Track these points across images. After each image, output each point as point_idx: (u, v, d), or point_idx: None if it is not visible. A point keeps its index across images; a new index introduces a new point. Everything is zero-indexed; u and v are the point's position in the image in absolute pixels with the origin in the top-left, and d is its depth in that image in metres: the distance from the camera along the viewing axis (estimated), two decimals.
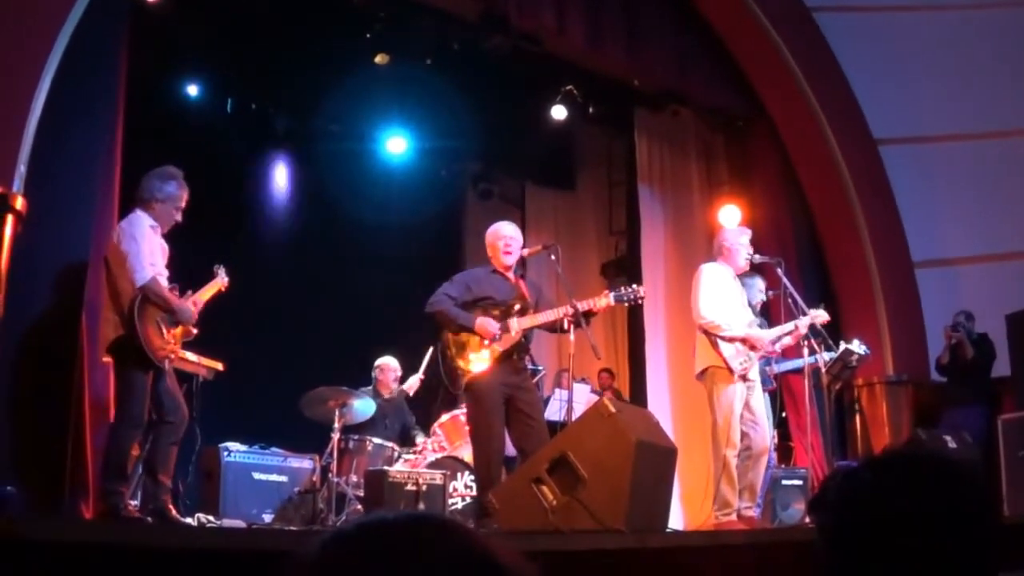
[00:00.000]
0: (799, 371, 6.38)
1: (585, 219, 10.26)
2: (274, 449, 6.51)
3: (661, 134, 8.97)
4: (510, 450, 5.23)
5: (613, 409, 4.20)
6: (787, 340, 5.86)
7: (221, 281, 5.24)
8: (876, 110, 8.47)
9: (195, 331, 4.96)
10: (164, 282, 4.83)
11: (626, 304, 5.29)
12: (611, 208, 10.19)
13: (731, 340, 5.54)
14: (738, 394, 5.51)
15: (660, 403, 8.15)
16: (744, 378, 5.55)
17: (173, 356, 4.83)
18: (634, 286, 5.22)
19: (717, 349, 5.54)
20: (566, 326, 5.01)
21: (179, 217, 4.97)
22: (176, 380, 4.97)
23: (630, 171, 9.11)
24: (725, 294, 5.70)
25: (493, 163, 10.15)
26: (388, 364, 7.45)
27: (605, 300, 5.09)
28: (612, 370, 9.01)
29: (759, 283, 6.62)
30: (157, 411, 4.75)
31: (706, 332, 5.60)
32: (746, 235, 5.91)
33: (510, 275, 5.28)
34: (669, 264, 8.70)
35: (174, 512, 4.82)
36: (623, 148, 9.52)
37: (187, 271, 5.19)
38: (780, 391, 6.69)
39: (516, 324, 5.07)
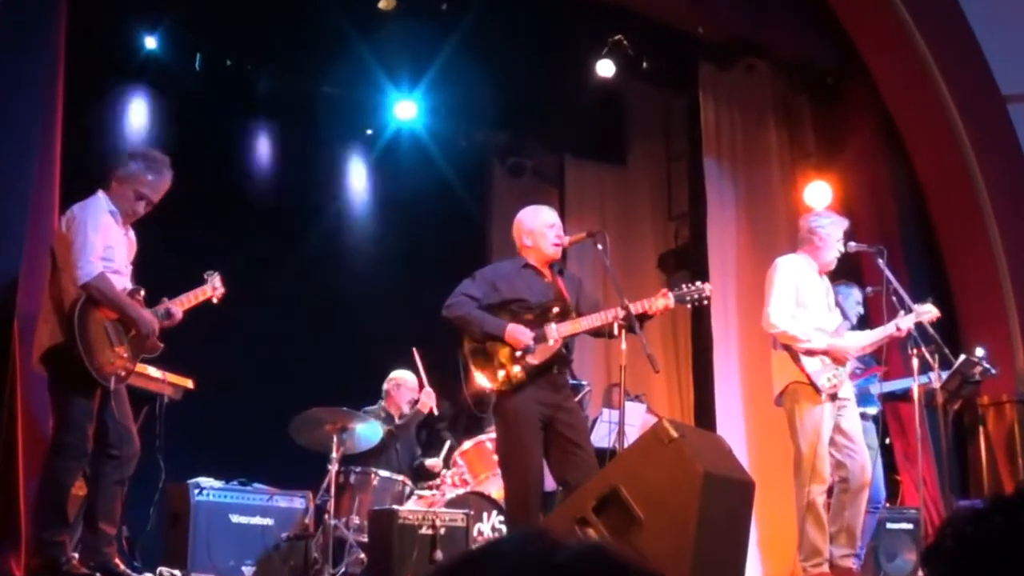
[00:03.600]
0: (907, 394, 6.32)
1: (639, 200, 10.25)
2: (257, 485, 6.53)
3: (732, 95, 8.93)
4: (549, 484, 5.23)
5: (675, 433, 4.19)
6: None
7: (211, 291, 5.25)
8: (1005, 62, 8.34)
9: (161, 345, 4.97)
10: (123, 282, 4.83)
11: (689, 306, 5.27)
12: (670, 187, 10.18)
13: (811, 354, 5.53)
14: (826, 416, 5.49)
15: (732, 426, 8.14)
16: (834, 397, 5.54)
17: (123, 373, 4.79)
18: (698, 283, 5.19)
19: (799, 362, 5.55)
20: (616, 331, 4.99)
21: (141, 208, 4.95)
22: (129, 403, 4.93)
23: (693, 141, 9.08)
24: (805, 295, 5.69)
25: (525, 132, 10.14)
26: (403, 380, 7.49)
27: (664, 301, 5.06)
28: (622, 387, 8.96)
29: (856, 294, 6.61)
30: (99, 442, 4.69)
31: (783, 344, 5.60)
32: (838, 222, 5.86)
33: (545, 271, 5.28)
34: (742, 255, 8.68)
35: (122, 567, 4.78)
36: (685, 112, 9.48)
37: (154, 271, 5.23)
38: (883, 412, 6.63)
39: (555, 331, 5.06)
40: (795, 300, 5.67)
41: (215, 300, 5.25)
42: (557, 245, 5.25)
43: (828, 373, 5.53)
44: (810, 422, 5.48)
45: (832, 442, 5.54)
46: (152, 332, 4.83)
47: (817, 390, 5.49)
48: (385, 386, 7.50)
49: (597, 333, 5.22)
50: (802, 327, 5.57)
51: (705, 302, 5.23)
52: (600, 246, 5.23)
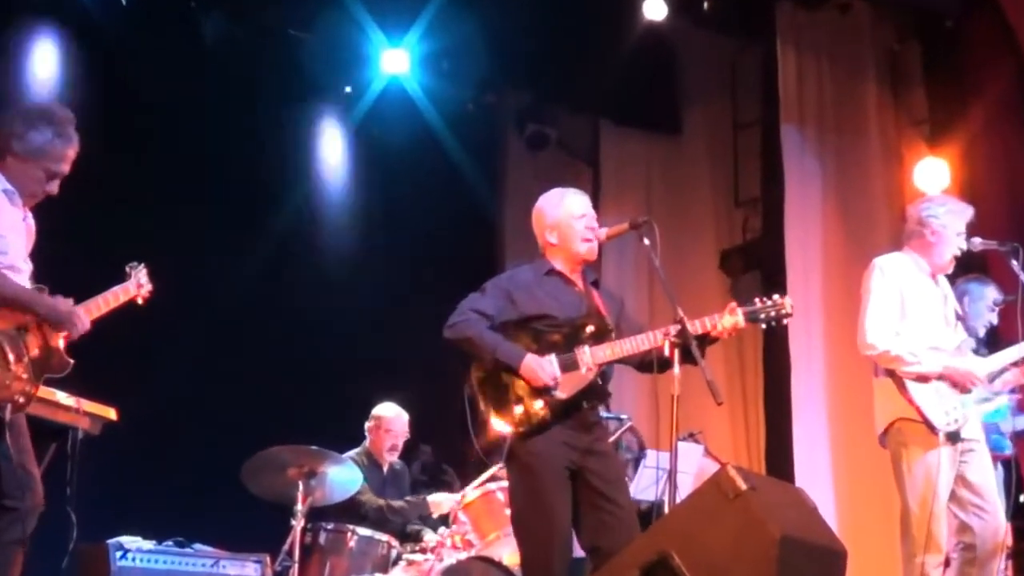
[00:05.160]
0: None
1: (696, 181, 10.23)
2: (199, 547, 6.49)
3: (819, 43, 8.91)
4: (577, 550, 5.14)
5: (743, 484, 4.11)
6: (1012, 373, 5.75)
7: (136, 288, 5.22)
8: None
9: (71, 361, 4.93)
10: (22, 281, 4.80)
11: (764, 326, 5.17)
12: (737, 163, 10.15)
13: (924, 380, 5.46)
14: (944, 464, 5.40)
15: (816, 475, 8.11)
16: (954, 438, 5.45)
17: (22, 400, 4.72)
18: (776, 297, 5.09)
19: (906, 392, 5.46)
20: (668, 354, 4.90)
21: (53, 187, 4.91)
22: (31, 439, 4.86)
23: (768, 104, 9.08)
24: (914, 305, 5.61)
25: (549, 92, 10.15)
26: (390, 417, 7.46)
27: (732, 319, 4.94)
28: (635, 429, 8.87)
29: (990, 294, 6.51)
30: None
31: (887, 370, 5.53)
32: (957, 211, 5.79)
33: (576, 278, 5.22)
34: (830, 253, 8.63)
35: None
36: (757, 67, 9.46)
37: (59, 268, 5.19)
38: (1018, 458, 6.56)
39: (589, 356, 4.97)
40: (900, 312, 5.59)
41: (141, 300, 5.20)
42: (589, 241, 5.17)
43: (947, 406, 5.44)
44: (921, 471, 5.39)
45: (954, 497, 5.45)
46: (74, 324, 4.79)
47: (932, 429, 5.41)
48: (367, 425, 7.48)
49: (642, 365, 5.11)
50: (909, 346, 5.49)
51: (785, 321, 5.14)
52: (647, 240, 5.09)
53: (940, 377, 5.48)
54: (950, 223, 5.73)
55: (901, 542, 5.47)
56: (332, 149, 9.73)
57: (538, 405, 4.93)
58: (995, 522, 5.49)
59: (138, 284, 5.22)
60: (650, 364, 5.06)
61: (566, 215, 5.19)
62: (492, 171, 10.38)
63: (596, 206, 5.48)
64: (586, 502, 4.93)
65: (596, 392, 5.04)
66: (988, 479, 5.56)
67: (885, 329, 5.54)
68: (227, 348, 8.43)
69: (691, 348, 4.77)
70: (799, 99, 8.84)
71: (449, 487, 7.58)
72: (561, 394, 4.94)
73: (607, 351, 4.99)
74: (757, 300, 5.07)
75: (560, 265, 5.17)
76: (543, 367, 4.92)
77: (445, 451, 7.68)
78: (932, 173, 7.98)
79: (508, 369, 4.96)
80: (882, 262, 5.73)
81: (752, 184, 9.87)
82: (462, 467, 7.59)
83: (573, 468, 4.94)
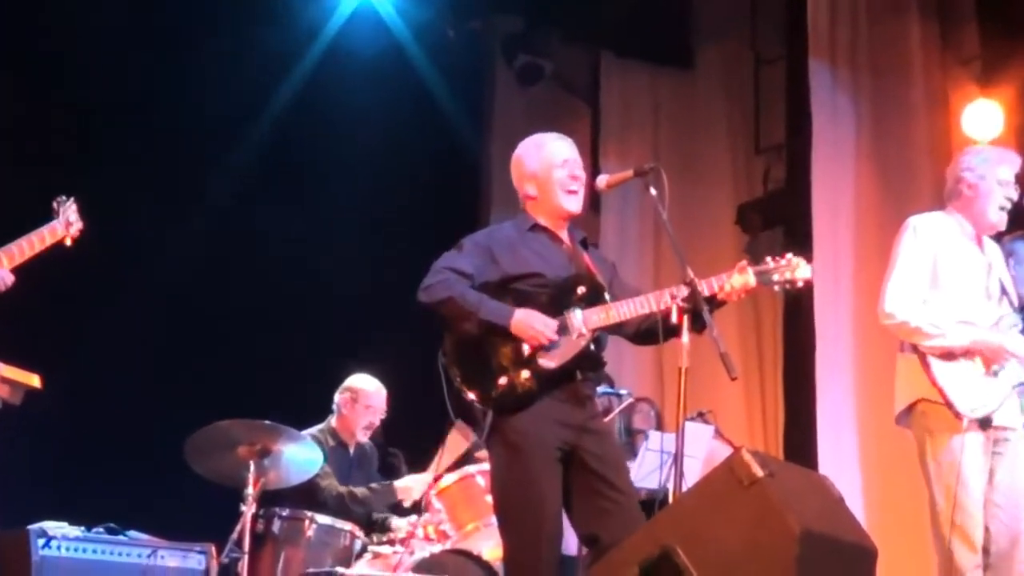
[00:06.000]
0: None
1: (710, 123, 10.23)
2: (134, 534, 6.51)
3: None
4: (569, 544, 5.19)
5: (759, 470, 4.13)
6: None
7: (64, 228, 5.23)
8: None
9: None
10: None
11: (777, 289, 5.16)
12: (758, 104, 10.17)
13: (947, 355, 5.46)
14: (974, 451, 5.41)
15: (843, 461, 8.14)
16: (986, 424, 5.45)
17: None
18: (791, 256, 5.08)
19: (929, 371, 5.47)
20: (675, 322, 4.89)
21: None
22: None
23: (795, 36, 9.08)
24: (949, 272, 5.61)
25: (542, 19, 10.11)
26: (370, 391, 7.47)
27: (742, 279, 4.94)
28: (651, 400, 8.89)
29: None
30: None
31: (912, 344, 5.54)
32: (1002, 160, 5.79)
33: (563, 234, 5.22)
34: (863, 208, 8.63)
35: None
36: None
37: None
38: None
39: (581, 320, 4.99)
40: (930, 278, 5.57)
41: (70, 241, 5.20)
42: (574, 192, 5.16)
43: (974, 388, 5.44)
44: (947, 460, 5.40)
45: None
46: None
47: (956, 414, 5.41)
48: (336, 398, 7.48)
49: (638, 334, 5.14)
50: (932, 317, 5.48)
51: (800, 285, 5.13)
52: (653, 190, 5.09)
53: (967, 353, 5.48)
54: (988, 173, 5.71)
55: (933, 537, 5.50)
56: (290, 83, 9.67)
57: (524, 375, 4.94)
58: (1016, 528, 5.49)
59: (66, 223, 5.21)
60: (649, 333, 5.08)
61: (546, 164, 5.19)
62: (477, 110, 10.40)
63: (595, 150, 5.48)
64: (582, 486, 4.95)
65: (590, 360, 5.05)
66: (1017, 477, 5.54)
67: (908, 297, 5.53)
68: (169, 308, 8.42)
69: (702, 313, 4.77)
70: (831, 32, 8.79)
71: (396, 472, 7.60)
72: (550, 363, 4.94)
73: (601, 315, 4.99)
74: (769, 259, 5.06)
75: (544, 220, 5.18)
76: (540, 319, 4.91)
77: (396, 431, 7.67)
78: (983, 118, 7.97)
79: (492, 332, 4.96)
80: (917, 221, 5.72)
81: (775, 128, 9.88)
82: (413, 451, 7.60)
83: (566, 449, 4.95)
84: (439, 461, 7.07)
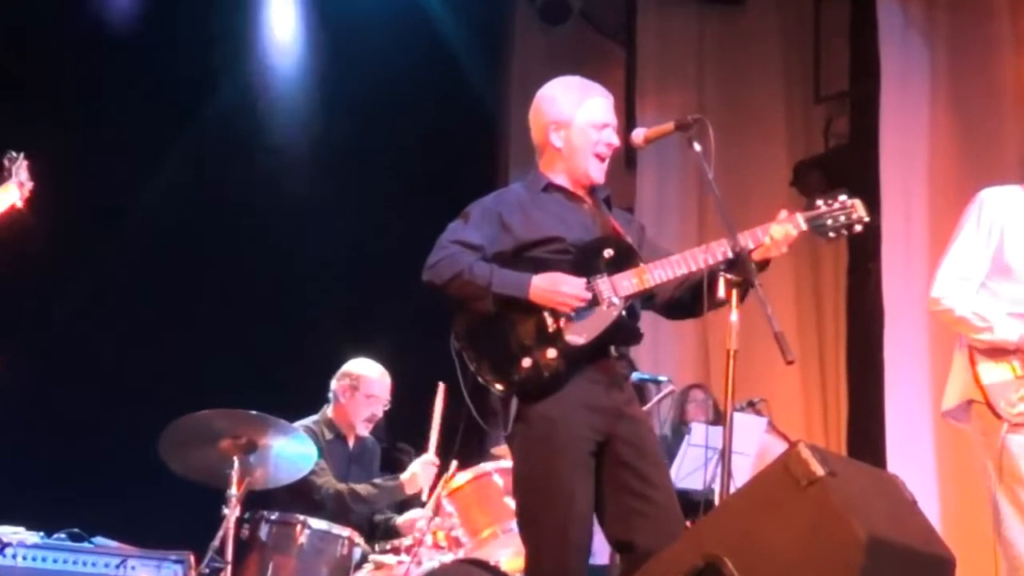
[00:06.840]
0: None
1: (764, 69, 10.25)
2: (101, 541, 6.54)
3: None
4: (599, 552, 5.15)
5: (820, 469, 4.11)
6: None
7: (17, 188, 5.29)
8: None
9: None
10: None
11: (832, 234, 5.09)
12: (818, 47, 10.16)
13: (995, 351, 5.47)
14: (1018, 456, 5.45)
15: (915, 460, 8.16)
16: None
17: None
18: (844, 198, 5.01)
19: (973, 368, 5.53)
20: (722, 293, 4.87)
21: None
22: None
23: None
24: (1016, 252, 5.60)
25: None
26: (373, 378, 7.48)
27: (782, 229, 4.88)
28: (705, 387, 8.91)
29: None
30: None
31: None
32: None
33: (582, 192, 5.19)
34: (939, 169, 8.62)
35: None
36: None
37: None
38: None
39: (609, 288, 4.98)
40: (994, 261, 5.58)
41: (20, 203, 5.20)
42: (603, 160, 5.14)
43: (1020, 391, 5.45)
44: (1011, 461, 5.44)
45: None
46: None
47: (996, 416, 5.43)
48: (334, 386, 7.49)
49: (673, 304, 5.13)
50: (981, 307, 5.47)
51: (858, 230, 5.08)
52: (697, 146, 5.05)
53: (1018, 349, 5.48)
54: None
55: (999, 546, 5.58)
56: (280, 22, 9.68)
57: (550, 354, 4.90)
58: None
59: (19, 182, 5.24)
60: (683, 303, 5.08)
61: (585, 119, 5.15)
62: (494, 52, 10.40)
63: (631, 100, 5.45)
64: (613, 481, 4.93)
65: (625, 332, 5.02)
66: None
67: (959, 281, 5.56)
68: (142, 284, 8.44)
69: (751, 277, 4.74)
70: None
71: (403, 467, 7.58)
72: (578, 338, 4.90)
73: (634, 279, 4.95)
74: (820, 202, 5.00)
75: (562, 180, 5.14)
76: (564, 279, 4.88)
77: (403, 425, 7.69)
78: None
79: (510, 307, 4.94)
80: (988, 194, 5.71)
81: (838, 75, 9.91)
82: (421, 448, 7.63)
83: (599, 439, 4.92)
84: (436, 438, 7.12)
